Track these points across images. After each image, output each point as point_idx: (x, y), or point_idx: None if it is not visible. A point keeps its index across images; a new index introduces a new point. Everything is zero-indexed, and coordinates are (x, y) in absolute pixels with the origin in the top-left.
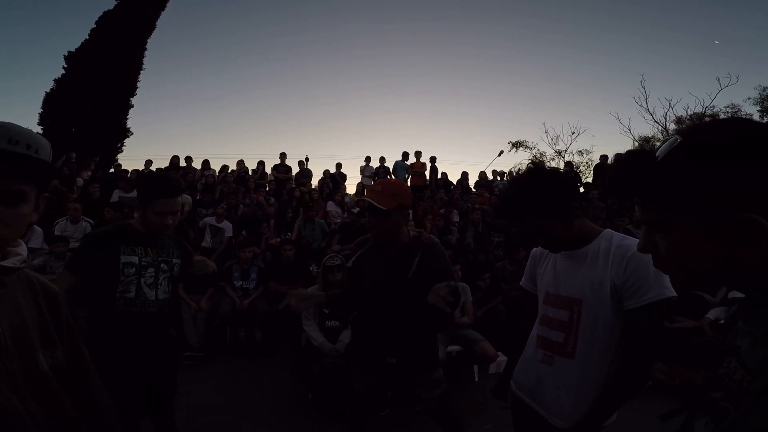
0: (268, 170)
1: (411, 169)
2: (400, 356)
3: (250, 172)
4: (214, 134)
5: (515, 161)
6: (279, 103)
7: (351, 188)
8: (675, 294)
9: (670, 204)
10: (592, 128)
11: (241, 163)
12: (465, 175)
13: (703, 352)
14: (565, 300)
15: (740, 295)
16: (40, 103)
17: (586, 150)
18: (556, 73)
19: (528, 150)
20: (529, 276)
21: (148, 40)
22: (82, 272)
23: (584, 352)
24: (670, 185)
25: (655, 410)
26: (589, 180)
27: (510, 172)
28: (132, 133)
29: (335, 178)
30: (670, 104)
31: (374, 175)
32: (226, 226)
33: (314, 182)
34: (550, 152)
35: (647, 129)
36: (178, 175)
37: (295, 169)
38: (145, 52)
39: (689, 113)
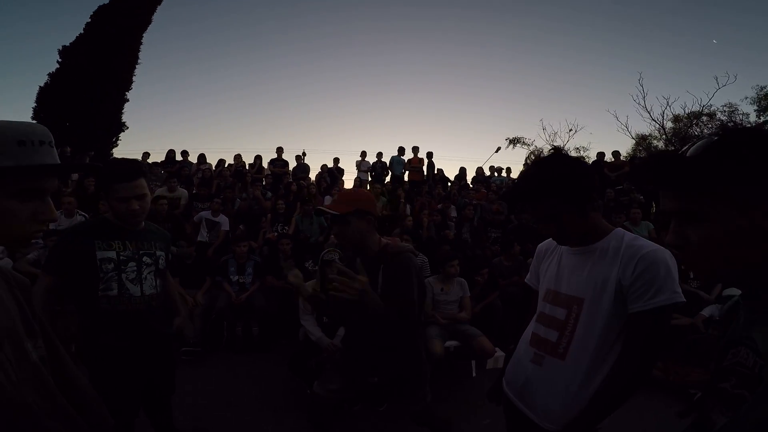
0: (265, 164)
1: (408, 164)
2: (382, 375)
3: (247, 167)
4: (210, 129)
5: (512, 158)
6: (276, 97)
7: (348, 183)
8: (684, 300)
9: (706, 194)
10: (589, 126)
11: (238, 157)
12: (463, 170)
13: (697, 349)
14: (564, 298)
15: (736, 292)
16: (34, 97)
17: (583, 147)
18: (554, 70)
19: (525, 146)
20: (533, 272)
21: (144, 35)
22: (56, 271)
23: (576, 355)
24: (708, 175)
25: (650, 407)
26: None
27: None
28: (127, 128)
29: (333, 173)
30: (667, 102)
31: (371, 170)
32: (222, 219)
33: (312, 176)
34: (547, 149)
35: (645, 127)
36: (174, 169)
37: (292, 164)
38: (141, 47)
39: (686, 112)
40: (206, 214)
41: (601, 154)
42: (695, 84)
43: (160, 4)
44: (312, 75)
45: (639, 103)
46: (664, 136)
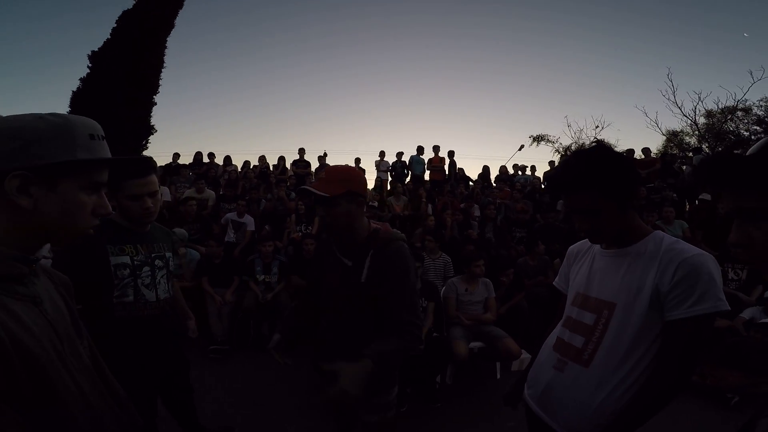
0: (288, 165)
1: (429, 163)
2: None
3: (271, 168)
4: (235, 130)
5: (537, 155)
6: (298, 97)
7: (370, 183)
8: (729, 308)
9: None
10: (617, 122)
11: (262, 158)
12: (486, 169)
13: (737, 352)
14: (594, 302)
15: None
16: (67, 101)
17: (611, 144)
18: (578, 65)
19: (550, 144)
20: (563, 275)
21: (168, 39)
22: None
23: (601, 362)
24: None
25: (684, 410)
26: None
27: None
28: (156, 131)
29: None
30: (699, 97)
31: (390, 170)
32: (248, 220)
33: None
34: (573, 146)
35: (675, 123)
36: (202, 171)
37: (314, 164)
38: (166, 51)
39: (720, 107)
40: (232, 215)
41: (630, 151)
42: (727, 79)
43: (181, 7)
44: (333, 75)
45: (669, 99)
46: (696, 132)
